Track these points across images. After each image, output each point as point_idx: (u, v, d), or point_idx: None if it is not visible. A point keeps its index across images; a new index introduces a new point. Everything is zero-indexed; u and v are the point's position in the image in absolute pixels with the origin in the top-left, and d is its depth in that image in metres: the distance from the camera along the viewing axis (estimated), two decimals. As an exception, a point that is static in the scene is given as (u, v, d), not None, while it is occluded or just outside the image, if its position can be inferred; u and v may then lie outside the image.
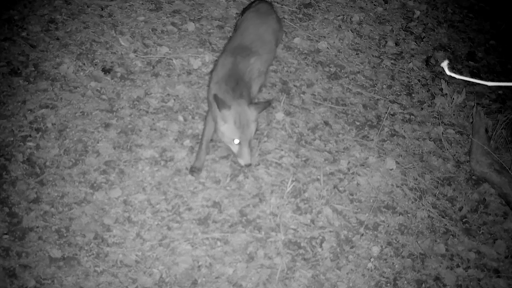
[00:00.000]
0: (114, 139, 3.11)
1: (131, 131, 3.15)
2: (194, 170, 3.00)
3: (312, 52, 3.88)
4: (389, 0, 4.46)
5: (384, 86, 3.79)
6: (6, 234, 2.65)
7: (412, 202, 3.17)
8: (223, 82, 2.80)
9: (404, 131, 3.54)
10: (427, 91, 3.83)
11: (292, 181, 3.07)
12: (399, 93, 3.77)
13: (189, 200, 2.94)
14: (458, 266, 2.96)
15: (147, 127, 3.19)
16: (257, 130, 2.84)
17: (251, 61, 2.91)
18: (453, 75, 1.45)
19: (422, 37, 4.24)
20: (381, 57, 3.99)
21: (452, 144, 3.54)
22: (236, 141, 2.73)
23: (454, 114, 3.71)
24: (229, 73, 2.83)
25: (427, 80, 3.92)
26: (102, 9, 3.81)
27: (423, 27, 4.32)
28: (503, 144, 3.53)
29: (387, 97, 3.72)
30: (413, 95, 3.79)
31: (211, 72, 3.10)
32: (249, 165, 2.80)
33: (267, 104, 2.82)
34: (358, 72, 3.83)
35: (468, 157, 3.46)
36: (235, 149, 2.78)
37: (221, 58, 2.97)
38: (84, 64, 3.42)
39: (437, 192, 3.25)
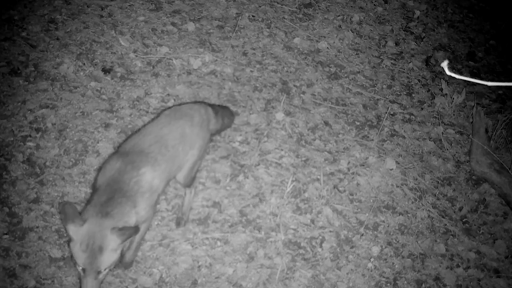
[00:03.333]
0: (114, 139, 3.11)
1: (131, 131, 3.15)
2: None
3: (312, 52, 3.88)
4: (389, 0, 4.46)
5: (384, 86, 3.79)
6: (6, 234, 2.65)
7: (412, 202, 3.17)
8: (96, 193, 2.27)
9: (404, 131, 3.54)
10: (427, 91, 3.83)
11: (292, 181, 3.07)
12: (399, 93, 3.77)
13: (189, 200, 2.94)
14: (458, 266, 2.96)
15: (147, 127, 3.19)
16: (113, 266, 2.20)
17: (140, 171, 2.32)
18: (453, 75, 1.45)
19: (422, 37, 4.24)
20: (381, 57, 3.99)
21: (452, 144, 3.54)
22: (79, 267, 2.13)
23: (454, 114, 3.71)
24: (108, 181, 2.27)
25: (427, 80, 3.92)
26: (102, 9, 3.81)
27: (423, 27, 4.32)
28: (503, 144, 3.53)
29: (387, 97, 3.72)
30: (413, 95, 3.79)
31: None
32: None
33: (134, 230, 2.16)
34: (358, 72, 3.83)
35: (468, 157, 3.46)
36: (79, 275, 2.16)
37: (109, 159, 2.41)
38: (84, 64, 3.42)
39: (437, 192, 3.25)
